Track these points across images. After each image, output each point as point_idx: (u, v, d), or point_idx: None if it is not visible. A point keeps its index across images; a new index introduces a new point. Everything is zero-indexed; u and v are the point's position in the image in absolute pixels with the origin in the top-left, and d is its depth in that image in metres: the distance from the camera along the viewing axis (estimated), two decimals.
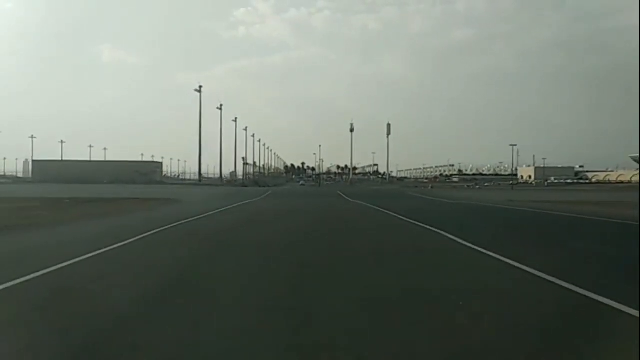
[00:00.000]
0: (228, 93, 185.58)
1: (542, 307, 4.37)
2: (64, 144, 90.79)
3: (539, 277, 5.49)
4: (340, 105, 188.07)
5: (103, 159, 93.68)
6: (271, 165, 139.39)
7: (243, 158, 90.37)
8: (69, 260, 6.26)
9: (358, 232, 11.41)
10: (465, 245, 8.31)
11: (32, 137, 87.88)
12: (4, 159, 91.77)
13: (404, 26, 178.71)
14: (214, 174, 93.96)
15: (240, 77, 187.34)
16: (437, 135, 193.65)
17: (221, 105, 77.28)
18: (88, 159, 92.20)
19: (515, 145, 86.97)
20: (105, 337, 3.42)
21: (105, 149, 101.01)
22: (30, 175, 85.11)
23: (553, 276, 5.37)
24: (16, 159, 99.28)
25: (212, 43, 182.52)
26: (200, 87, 75.60)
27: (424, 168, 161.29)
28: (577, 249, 8.55)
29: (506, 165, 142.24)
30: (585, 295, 4.59)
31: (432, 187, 77.21)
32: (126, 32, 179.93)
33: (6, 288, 4.73)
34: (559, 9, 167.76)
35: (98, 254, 6.93)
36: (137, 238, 8.79)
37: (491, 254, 7.25)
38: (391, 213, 16.90)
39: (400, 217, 15.15)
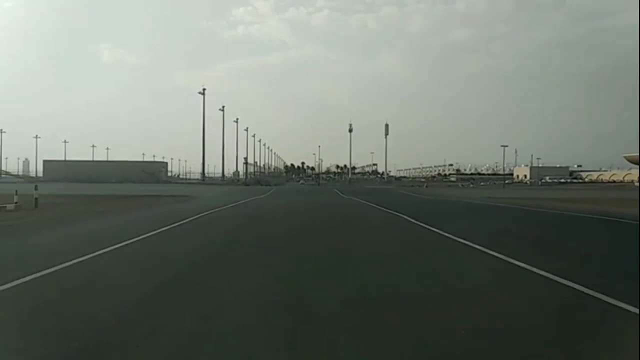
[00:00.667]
0: (227, 92, 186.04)
1: (438, 243, 8.67)
2: (66, 143, 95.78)
3: (442, 234, 9.82)
4: (340, 104, 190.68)
5: (107, 159, 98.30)
6: (271, 165, 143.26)
7: (245, 158, 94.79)
8: (162, 227, 10.56)
9: (339, 214, 15.81)
10: (409, 221, 12.67)
11: (36, 136, 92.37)
12: (6, 158, 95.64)
13: (403, 26, 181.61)
14: (214, 174, 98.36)
15: (240, 76, 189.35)
16: (437, 134, 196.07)
17: (223, 107, 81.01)
18: (90, 158, 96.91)
19: (507, 146, 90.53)
20: (192, 266, 7.69)
21: (107, 148, 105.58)
22: (36, 175, 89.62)
23: (452, 234, 9.48)
24: (18, 158, 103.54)
25: (212, 42, 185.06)
26: (204, 89, 78.59)
27: (423, 167, 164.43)
28: (489, 225, 12.71)
29: (505, 165, 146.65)
30: (464, 242, 8.87)
31: (426, 186, 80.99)
32: (125, 32, 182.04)
33: (144, 237, 9.03)
34: (559, 9, 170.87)
35: (169, 229, 11.14)
36: (187, 220, 12.98)
37: (422, 224, 11.63)
38: (370, 204, 21.35)
39: (375, 206, 19.57)
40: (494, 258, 6.82)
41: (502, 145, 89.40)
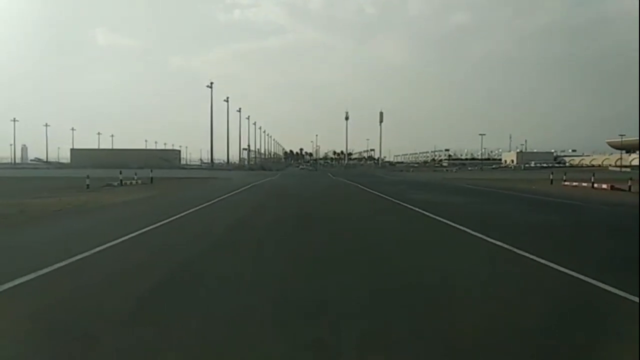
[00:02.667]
0: (224, 76, 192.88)
1: (364, 194, 20.89)
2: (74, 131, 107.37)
3: (370, 191, 22.05)
4: (338, 89, 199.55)
5: (112, 147, 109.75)
6: (270, 151, 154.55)
7: (248, 146, 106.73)
8: (226, 194, 22.72)
9: (324, 186, 27.93)
10: (360, 187, 24.85)
11: (46, 125, 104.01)
12: (10, 145, 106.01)
13: (401, 10, 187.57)
14: (218, 160, 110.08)
15: (236, 60, 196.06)
16: (436, 120, 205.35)
17: (227, 98, 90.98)
18: (95, 144, 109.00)
19: (484, 134, 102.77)
20: (243, 218, 19.88)
21: (112, 135, 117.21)
22: (48, 161, 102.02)
23: (377, 192, 21.77)
24: (10, 144, 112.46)
25: (208, 26, 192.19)
26: (212, 83, 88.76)
27: (420, 153, 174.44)
28: (403, 189, 24.66)
29: (499, 150, 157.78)
30: (377, 194, 21.12)
31: (412, 170, 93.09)
32: (121, 15, 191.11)
33: (232, 194, 21.17)
34: None
35: (228, 196, 23.21)
36: (243, 188, 24.99)
37: (365, 188, 23.81)
38: (347, 181, 33.53)
39: (349, 182, 31.71)
40: (386, 199, 18.87)
41: (480, 134, 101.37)
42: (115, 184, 26.01)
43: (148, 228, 9.14)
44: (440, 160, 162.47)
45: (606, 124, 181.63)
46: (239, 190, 23.45)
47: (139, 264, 6.14)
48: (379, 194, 20.40)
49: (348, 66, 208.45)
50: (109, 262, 6.17)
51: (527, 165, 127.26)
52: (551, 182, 30.10)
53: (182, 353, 3.27)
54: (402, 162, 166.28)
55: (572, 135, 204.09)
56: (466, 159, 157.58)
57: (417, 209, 13.68)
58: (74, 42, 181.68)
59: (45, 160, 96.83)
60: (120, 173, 28.30)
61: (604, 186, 25.27)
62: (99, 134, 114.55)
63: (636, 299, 4.40)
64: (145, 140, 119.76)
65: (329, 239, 8.68)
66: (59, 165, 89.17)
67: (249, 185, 27.67)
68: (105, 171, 60.52)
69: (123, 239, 7.74)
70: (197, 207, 14.22)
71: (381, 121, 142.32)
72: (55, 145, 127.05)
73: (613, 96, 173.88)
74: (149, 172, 29.91)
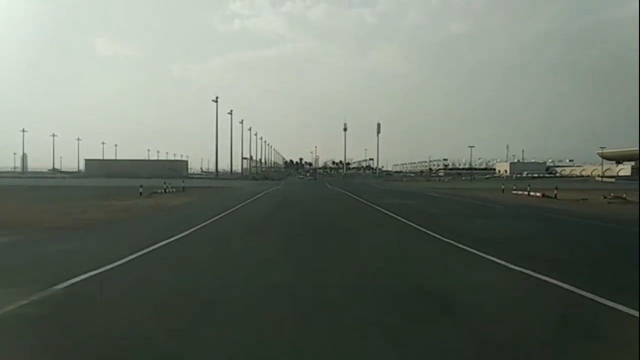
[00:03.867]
0: (224, 85, 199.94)
1: (348, 199, 29.33)
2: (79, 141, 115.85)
3: (355, 198, 30.51)
4: (338, 98, 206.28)
5: (115, 157, 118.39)
6: (270, 160, 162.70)
7: (250, 156, 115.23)
8: (249, 199, 31.10)
9: (321, 193, 36.24)
10: (349, 195, 33.28)
11: (53, 135, 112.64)
12: (14, 153, 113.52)
13: (400, 19, 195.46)
14: (221, 170, 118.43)
15: (236, 69, 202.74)
16: (436, 129, 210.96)
17: (231, 110, 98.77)
18: (100, 154, 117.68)
19: (473, 146, 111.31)
20: (276, 205, 28.31)
21: (115, 145, 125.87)
22: (52, 169, 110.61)
23: (362, 199, 30.21)
24: (15, 153, 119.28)
25: (208, 36, 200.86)
26: (217, 97, 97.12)
27: (419, 162, 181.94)
28: (384, 197, 32.91)
29: (497, 160, 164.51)
30: (359, 199, 29.59)
31: (405, 180, 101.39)
32: (122, 25, 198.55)
33: (252, 200, 29.55)
34: (556, 2, 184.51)
35: (252, 200, 31.55)
36: (260, 194, 33.30)
37: (353, 195, 32.22)
38: (341, 190, 41.88)
39: (342, 190, 40.07)
40: (361, 202, 27.17)
41: (469, 146, 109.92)
42: (160, 191, 34.29)
43: (224, 214, 17.45)
44: (437, 170, 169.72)
45: (604, 133, 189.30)
46: (259, 195, 31.77)
47: (236, 222, 14.56)
48: (359, 198, 28.73)
49: (348, 75, 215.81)
50: (224, 222, 14.54)
51: (518, 175, 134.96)
52: (502, 191, 38.48)
53: (274, 235, 11.59)
54: (400, 172, 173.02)
55: (571, 144, 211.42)
56: (463, 169, 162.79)
57: (376, 207, 21.96)
58: (73, 50, 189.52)
59: (61, 170, 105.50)
60: (165, 183, 36.63)
61: (538, 194, 33.58)
62: (103, 143, 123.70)
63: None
64: (148, 150, 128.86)
65: (314, 209, 17.05)
66: (75, 175, 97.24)
67: (262, 193, 36.05)
68: (120, 180, 68.82)
69: (216, 217, 16.04)
70: (239, 206, 22.50)
71: (378, 132, 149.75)
72: (57, 154, 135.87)
73: (612, 106, 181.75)
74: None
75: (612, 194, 30.63)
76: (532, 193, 34.44)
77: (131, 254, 8.12)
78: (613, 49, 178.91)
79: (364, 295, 5.73)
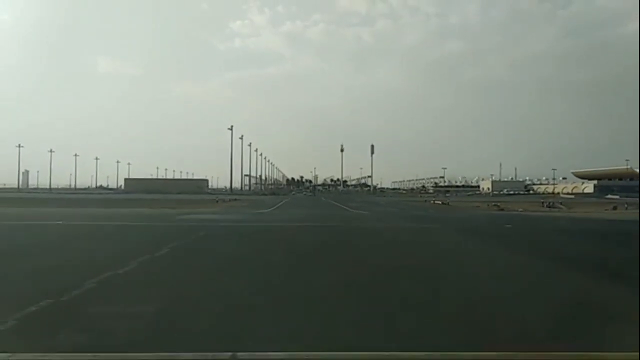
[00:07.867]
0: (224, 104, 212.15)
1: (337, 208, 61.86)
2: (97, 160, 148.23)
3: (340, 206, 63.07)
4: (336, 116, 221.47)
5: (131, 175, 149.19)
6: (271, 177, 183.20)
7: (257, 176, 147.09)
8: (278, 203, 63.48)
9: (319, 203, 68.30)
10: (336, 204, 65.56)
11: (76, 155, 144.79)
12: (18, 168, 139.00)
13: (397, 38, 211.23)
14: (225, 187, 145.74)
15: (237, 88, 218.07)
16: (435, 146, 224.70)
17: (242, 136, 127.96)
18: (114, 170, 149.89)
19: (445, 168, 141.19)
20: (295, 203, 60.77)
21: (129, 163, 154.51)
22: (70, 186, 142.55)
23: (345, 206, 62.67)
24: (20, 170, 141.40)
25: (208, 54, 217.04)
26: (232, 126, 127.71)
27: (416, 180, 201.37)
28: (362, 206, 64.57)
29: (490, 177, 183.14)
30: (339, 205, 62.17)
31: (389, 196, 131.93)
32: (122, 44, 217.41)
33: (279, 205, 61.91)
34: (551, 21, 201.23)
35: (282, 202, 63.46)
36: (281, 202, 65.11)
37: (338, 205, 64.46)
38: (333, 202, 73.76)
39: (333, 202, 72.06)
40: (338, 206, 59.06)
41: (442, 168, 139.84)
42: (227, 199, 65.90)
43: (280, 203, 49.73)
44: (428, 187, 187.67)
45: (590, 153, 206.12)
46: (283, 202, 63.67)
47: (288, 204, 47.21)
48: (335, 202, 60.54)
49: (346, 93, 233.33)
50: (284, 205, 47.04)
51: (495, 192, 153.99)
52: (425, 201, 70.24)
53: (302, 205, 43.95)
54: (397, 189, 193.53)
55: (566, 162, 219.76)
56: (457, 186, 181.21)
57: (339, 204, 54.15)
58: (74, 71, 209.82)
59: (108, 187, 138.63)
60: (223, 194, 68.48)
61: (439, 202, 65.12)
62: (117, 162, 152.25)
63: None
64: (157, 168, 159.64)
65: (313, 204, 49.58)
66: (117, 191, 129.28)
67: (283, 202, 67.79)
68: (160, 195, 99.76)
69: (279, 204, 48.29)
70: (280, 203, 54.72)
71: (372, 153, 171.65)
72: (59, 171, 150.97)
73: (598, 127, 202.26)
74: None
75: (499, 204, 61.25)
76: (436, 201, 66.18)
77: (273, 207, 41.14)
78: (606, 67, 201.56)
79: (322, 205, 39.62)
